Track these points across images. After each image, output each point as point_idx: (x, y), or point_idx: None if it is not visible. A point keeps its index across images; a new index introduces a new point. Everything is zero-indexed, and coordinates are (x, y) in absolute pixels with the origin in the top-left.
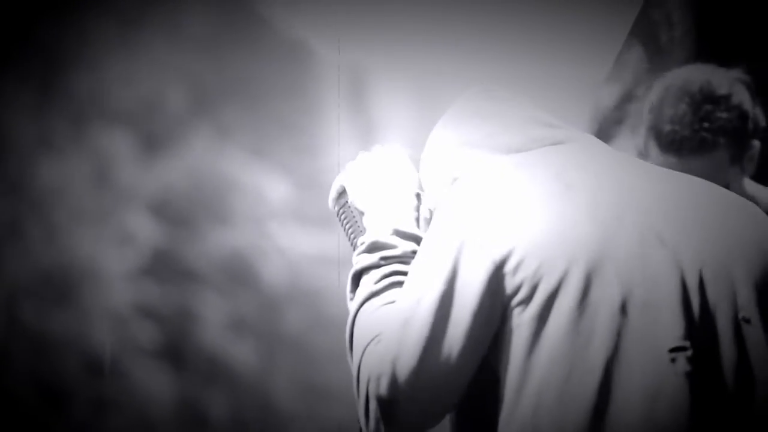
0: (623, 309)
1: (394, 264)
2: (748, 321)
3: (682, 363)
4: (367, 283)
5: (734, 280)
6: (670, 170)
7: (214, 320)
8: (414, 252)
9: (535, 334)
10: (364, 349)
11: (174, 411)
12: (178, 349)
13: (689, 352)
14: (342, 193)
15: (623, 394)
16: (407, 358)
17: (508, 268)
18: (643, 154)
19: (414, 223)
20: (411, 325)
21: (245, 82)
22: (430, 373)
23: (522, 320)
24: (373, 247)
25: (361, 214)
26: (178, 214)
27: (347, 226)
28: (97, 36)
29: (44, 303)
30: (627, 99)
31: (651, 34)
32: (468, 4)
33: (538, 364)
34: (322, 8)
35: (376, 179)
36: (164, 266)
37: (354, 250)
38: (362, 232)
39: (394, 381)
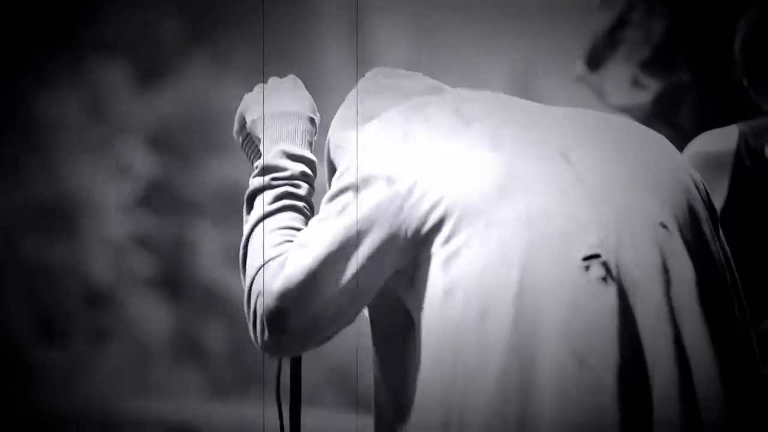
0: (531, 224)
1: (285, 186)
2: (665, 227)
3: (596, 269)
4: (260, 205)
5: (648, 191)
6: (573, 108)
7: (210, 250)
8: (303, 173)
9: (449, 260)
10: (259, 269)
11: (171, 341)
12: (174, 280)
13: (602, 259)
14: (244, 124)
15: (541, 307)
16: (298, 274)
17: (413, 199)
18: (639, 84)
19: (305, 146)
20: (308, 247)
21: (242, 9)
22: (319, 289)
23: (434, 251)
24: (264, 170)
25: (259, 141)
26: (175, 145)
27: (251, 155)
28: None
29: (41, 234)
30: (620, 24)
31: None
32: None
33: (456, 289)
34: None
35: (269, 107)
36: (161, 197)
37: None
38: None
39: (283, 293)
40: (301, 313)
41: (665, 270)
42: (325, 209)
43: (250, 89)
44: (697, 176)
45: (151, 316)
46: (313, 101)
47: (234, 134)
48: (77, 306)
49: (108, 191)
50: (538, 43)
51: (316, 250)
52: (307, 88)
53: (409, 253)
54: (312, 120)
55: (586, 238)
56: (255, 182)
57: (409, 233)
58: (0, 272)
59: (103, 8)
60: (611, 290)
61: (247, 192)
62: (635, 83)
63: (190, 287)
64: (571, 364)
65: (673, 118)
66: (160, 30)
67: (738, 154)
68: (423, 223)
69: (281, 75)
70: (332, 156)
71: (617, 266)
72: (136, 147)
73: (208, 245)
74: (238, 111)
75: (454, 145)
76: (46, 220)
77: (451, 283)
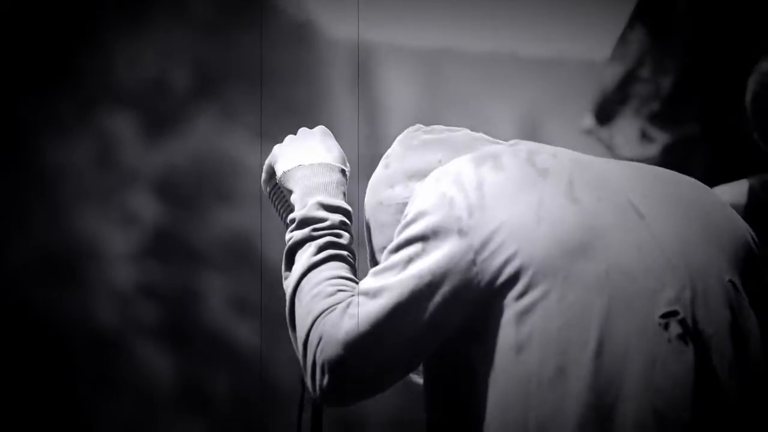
0: (610, 281)
1: (327, 236)
2: (733, 283)
3: (674, 327)
4: (305, 256)
5: (713, 246)
6: (632, 162)
7: (216, 300)
8: (342, 222)
9: (523, 314)
10: (316, 318)
11: (176, 390)
12: (180, 329)
13: (680, 316)
14: (272, 175)
15: (620, 364)
16: (364, 323)
17: (487, 252)
18: (648, 136)
19: (340, 196)
20: (374, 297)
21: (250, 63)
22: (384, 339)
23: (506, 304)
24: (302, 223)
25: (290, 192)
26: (182, 195)
27: (279, 207)
28: (103, 16)
29: (48, 282)
30: (630, 80)
31: (654, 14)
32: None
33: (531, 344)
34: None
35: (300, 158)
36: (167, 246)
37: (286, 228)
38: (293, 210)
39: (348, 342)
40: (365, 362)
41: (736, 326)
42: (391, 259)
43: (257, 139)
44: (749, 228)
45: (156, 364)
46: (343, 152)
47: (262, 184)
48: (83, 354)
49: (115, 240)
50: (547, 92)
51: (383, 300)
52: None
53: (479, 306)
54: (344, 171)
55: (664, 295)
56: (295, 235)
57: (482, 285)
58: (6, 320)
59: (112, 59)
60: (689, 348)
61: (287, 245)
62: (644, 136)
63: (196, 336)
64: (652, 422)
65: (682, 171)
66: (169, 80)
67: (748, 209)
68: (497, 277)
69: (289, 125)
70: (374, 215)
71: (693, 323)
72: (144, 196)
73: (214, 294)
74: (267, 162)
75: (529, 196)
76: (52, 268)
77: (526, 337)
